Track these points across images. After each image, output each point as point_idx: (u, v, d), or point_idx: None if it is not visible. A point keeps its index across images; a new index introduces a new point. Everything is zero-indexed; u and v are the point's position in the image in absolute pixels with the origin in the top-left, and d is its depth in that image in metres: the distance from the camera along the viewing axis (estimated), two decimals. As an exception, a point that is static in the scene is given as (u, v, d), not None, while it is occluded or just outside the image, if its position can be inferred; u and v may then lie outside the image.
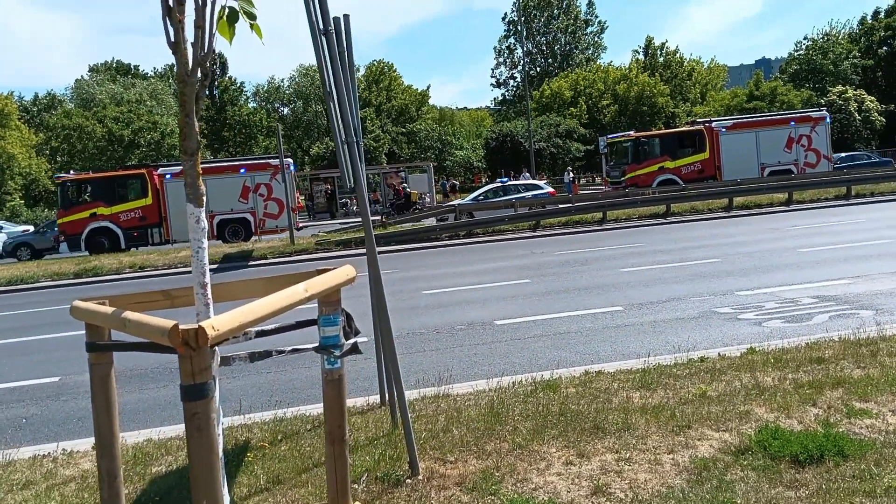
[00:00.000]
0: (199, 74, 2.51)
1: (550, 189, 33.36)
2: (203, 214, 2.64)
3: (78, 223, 28.91)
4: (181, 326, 2.23)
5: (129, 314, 2.48)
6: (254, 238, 29.43)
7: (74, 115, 63.02)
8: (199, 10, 2.42)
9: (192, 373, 2.29)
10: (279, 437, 6.20)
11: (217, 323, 2.27)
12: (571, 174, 51.42)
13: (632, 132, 40.96)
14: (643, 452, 5.03)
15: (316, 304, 3.56)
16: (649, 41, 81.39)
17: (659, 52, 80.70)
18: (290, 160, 31.32)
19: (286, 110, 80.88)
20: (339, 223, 37.98)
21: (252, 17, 2.50)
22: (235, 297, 3.09)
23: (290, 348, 2.95)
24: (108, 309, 2.71)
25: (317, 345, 3.00)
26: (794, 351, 7.43)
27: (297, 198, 34.44)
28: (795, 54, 74.78)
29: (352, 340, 3.10)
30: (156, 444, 6.42)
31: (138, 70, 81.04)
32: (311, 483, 5.19)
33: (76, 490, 5.59)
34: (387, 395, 6.56)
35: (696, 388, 6.37)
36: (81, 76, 76.68)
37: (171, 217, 29.01)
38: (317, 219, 45.39)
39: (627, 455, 5.00)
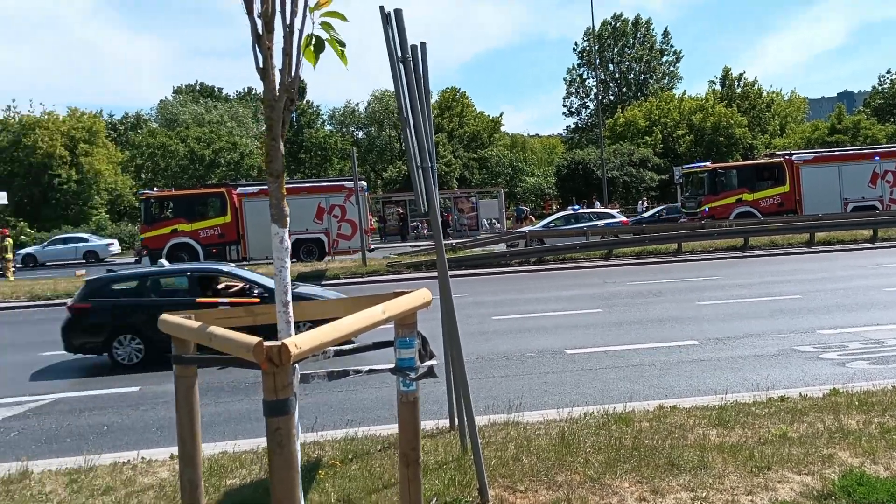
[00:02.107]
0: (285, 99, 2.57)
1: (623, 218, 32.94)
2: (287, 234, 2.70)
3: (160, 238, 29.86)
4: (265, 343, 2.28)
5: (215, 329, 2.55)
6: (327, 258, 29.89)
7: (158, 134, 65.49)
8: (287, 38, 2.49)
9: (274, 389, 2.33)
10: (350, 456, 6.24)
11: (299, 341, 2.31)
12: (645, 203, 50.69)
13: (708, 163, 40.14)
14: (720, 493, 4.86)
15: (392, 326, 3.60)
16: (726, 72, 79.86)
17: (736, 83, 79.11)
18: (364, 183, 31.79)
19: (361, 134, 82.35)
20: (411, 246, 38.26)
21: (342, 44, 2.56)
22: (314, 317, 3.14)
23: (366, 368, 2.98)
24: (195, 323, 2.79)
25: (393, 366, 3.02)
26: (880, 394, 7.10)
27: (370, 220, 34.88)
28: (879, 88, 72.35)
29: (427, 363, 3.11)
30: (230, 456, 6.54)
31: (220, 92, 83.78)
32: (380, 503, 5.21)
33: (154, 498, 5.73)
34: (456, 419, 6.53)
35: (776, 429, 6.15)
36: (166, 97, 79.84)
37: (248, 235, 29.73)
38: (388, 241, 45.83)
39: (704, 494, 4.84)
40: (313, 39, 2.57)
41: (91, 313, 11.73)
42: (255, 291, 12.07)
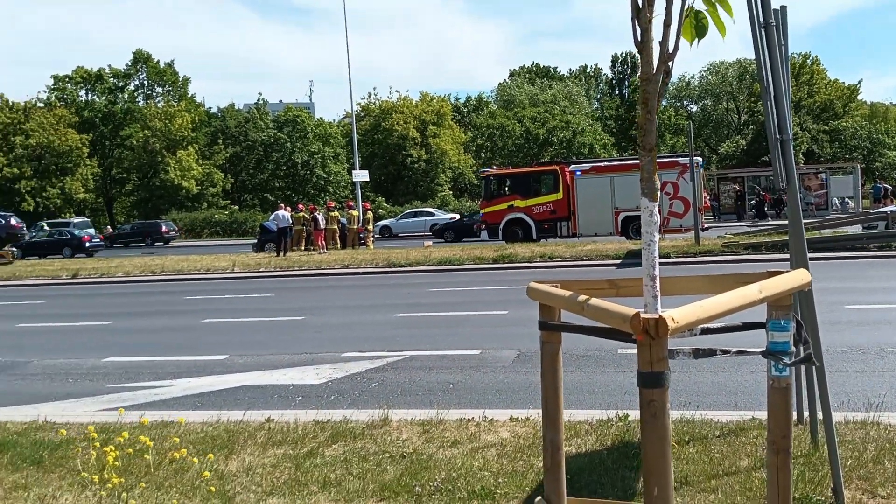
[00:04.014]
0: (662, 73, 2.57)
1: None
2: (657, 209, 2.73)
3: (497, 214, 31.57)
4: (643, 315, 2.34)
5: (589, 299, 2.67)
6: (657, 236, 29.33)
7: (497, 115, 69.03)
8: (668, 10, 2.49)
9: (650, 361, 2.38)
10: (686, 439, 6.12)
11: (677, 315, 2.33)
12: None
13: None
14: None
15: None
16: None
17: None
18: (700, 158, 30.55)
19: (695, 107, 79.17)
20: (747, 225, 36.08)
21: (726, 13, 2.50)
22: (675, 293, 3.13)
23: (735, 349, 2.91)
24: (565, 292, 2.94)
25: (764, 349, 2.91)
26: None
27: (704, 197, 33.43)
28: None
29: (803, 349, 2.95)
30: (567, 425, 6.76)
31: (555, 71, 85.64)
32: (721, 490, 5.06)
33: (496, 456, 6.14)
34: (805, 412, 6.09)
35: None
36: (504, 80, 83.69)
37: (579, 212, 30.21)
38: (722, 220, 43.66)
39: None
40: (693, 12, 2.54)
41: None
42: None
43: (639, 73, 2.61)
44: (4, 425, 7.74)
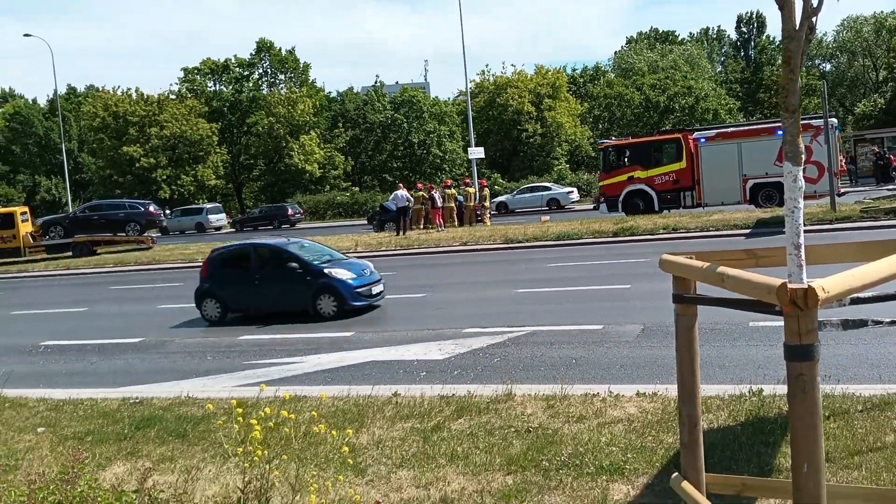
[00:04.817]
0: (806, 29, 2.42)
1: None
2: (801, 174, 2.58)
3: (616, 185, 30.79)
4: (789, 285, 2.23)
5: (729, 270, 2.56)
6: (802, 203, 27.78)
7: (615, 84, 67.26)
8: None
9: (798, 333, 2.27)
10: (827, 413, 5.84)
11: (827, 285, 2.21)
12: None
13: None
14: None
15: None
16: None
17: None
18: (835, 120, 28.71)
19: (828, 66, 74.55)
20: (888, 189, 33.78)
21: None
22: (818, 262, 2.97)
23: (888, 320, 2.73)
24: (702, 263, 2.84)
25: (920, 319, 2.73)
26: None
27: (840, 161, 31.43)
28: None
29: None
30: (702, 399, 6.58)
31: (675, 36, 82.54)
32: (866, 467, 4.84)
33: (623, 431, 6.05)
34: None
35: None
36: (621, 47, 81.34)
37: (703, 181, 29.02)
38: (860, 184, 41.02)
39: None
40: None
41: None
42: None
43: (779, 31, 2.46)
44: (150, 401, 8.29)
